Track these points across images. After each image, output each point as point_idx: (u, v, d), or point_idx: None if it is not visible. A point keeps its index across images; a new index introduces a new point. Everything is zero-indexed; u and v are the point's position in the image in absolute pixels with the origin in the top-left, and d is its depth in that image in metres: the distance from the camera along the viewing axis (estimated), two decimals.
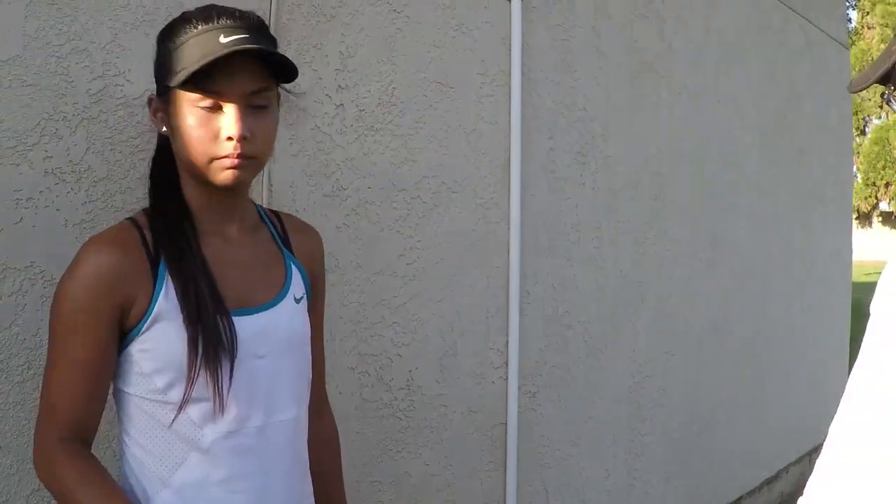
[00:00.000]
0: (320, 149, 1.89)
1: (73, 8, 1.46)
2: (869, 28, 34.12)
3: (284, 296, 1.27)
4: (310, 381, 1.31)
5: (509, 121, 2.44)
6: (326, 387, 1.45)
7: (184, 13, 1.19)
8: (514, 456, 2.40)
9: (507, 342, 2.43)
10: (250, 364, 1.18)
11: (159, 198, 1.22)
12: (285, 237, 1.34)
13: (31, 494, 1.41)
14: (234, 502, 1.16)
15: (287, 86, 1.25)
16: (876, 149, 30.89)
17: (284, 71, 1.18)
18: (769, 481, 4.26)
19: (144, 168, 1.54)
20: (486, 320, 2.37)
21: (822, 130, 5.01)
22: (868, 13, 33.57)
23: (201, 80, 1.11)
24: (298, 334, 1.27)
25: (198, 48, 1.13)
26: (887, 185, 33.78)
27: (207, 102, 1.13)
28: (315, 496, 1.32)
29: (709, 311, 3.62)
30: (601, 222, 2.90)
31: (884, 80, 1.01)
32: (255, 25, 1.18)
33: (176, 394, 1.14)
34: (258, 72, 1.16)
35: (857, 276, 6.77)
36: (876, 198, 33.10)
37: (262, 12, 1.71)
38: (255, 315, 1.21)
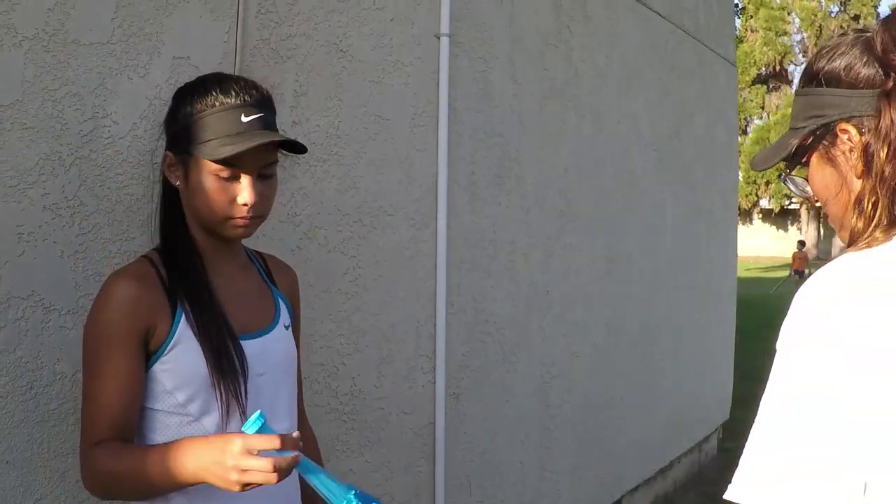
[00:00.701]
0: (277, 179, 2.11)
1: (66, 54, 1.64)
2: (752, 31, 36.02)
3: (276, 323, 1.51)
4: (296, 396, 1.55)
5: (437, 148, 2.71)
6: None
7: (202, 81, 1.40)
8: (441, 452, 2.68)
9: (435, 349, 2.71)
10: (254, 381, 1.40)
11: (171, 240, 1.44)
12: (269, 274, 1.59)
13: None
14: None
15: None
16: (757, 148, 32.59)
17: (293, 148, 1.43)
18: (663, 471, 4.69)
19: (130, 202, 1.75)
20: (416, 329, 2.64)
21: (711, 144, 5.48)
22: (752, 17, 35.38)
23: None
24: (290, 356, 1.52)
25: (221, 124, 1.35)
26: (767, 183, 35.71)
27: (227, 173, 1.36)
28: (302, 496, 1.55)
29: (606, 314, 3.98)
30: (514, 237, 3.20)
31: (786, 160, 1.27)
32: (266, 100, 1.41)
33: (195, 406, 1.35)
34: (272, 150, 1.40)
35: (739, 271, 7.35)
36: (756, 195, 35.05)
37: (229, 54, 1.94)
38: (255, 339, 1.44)
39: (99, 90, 1.70)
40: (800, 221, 38.97)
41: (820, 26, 37.25)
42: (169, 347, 1.36)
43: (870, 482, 0.98)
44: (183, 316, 1.37)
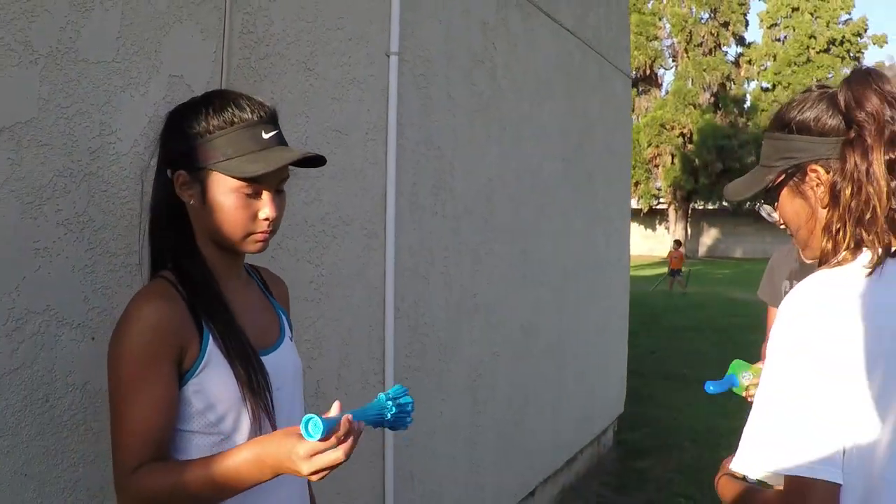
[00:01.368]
0: None
1: (77, 73, 1.71)
2: None
3: (283, 337, 1.58)
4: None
5: (385, 161, 2.87)
6: None
7: (211, 97, 1.45)
8: (390, 448, 2.85)
9: (384, 352, 2.87)
10: (274, 395, 1.46)
11: (186, 260, 1.45)
12: (265, 286, 1.65)
13: None
14: None
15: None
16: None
17: (307, 163, 1.49)
18: (569, 462, 5.00)
19: (132, 217, 1.83)
20: (368, 334, 2.79)
21: (610, 154, 5.84)
22: (660, 18, 36.87)
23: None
24: (298, 368, 1.59)
25: (243, 141, 1.39)
26: (636, 183, 37.26)
27: (250, 190, 1.41)
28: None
29: (522, 316, 4.23)
30: (448, 245, 3.40)
31: (757, 195, 1.52)
32: (276, 116, 1.47)
33: (226, 425, 1.40)
34: (287, 165, 1.44)
35: None
36: None
37: (216, 73, 2.04)
38: (270, 354, 1.50)
39: (105, 108, 1.77)
40: (668, 221, 40.87)
41: (690, 32, 39.18)
42: (200, 368, 1.39)
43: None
44: (210, 336, 1.41)
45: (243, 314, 1.48)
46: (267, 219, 1.44)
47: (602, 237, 5.74)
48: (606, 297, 5.86)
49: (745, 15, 39.81)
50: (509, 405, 4.03)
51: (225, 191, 1.41)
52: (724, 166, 37.69)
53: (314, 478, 1.26)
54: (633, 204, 38.99)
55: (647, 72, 38.28)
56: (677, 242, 21.88)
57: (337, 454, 1.25)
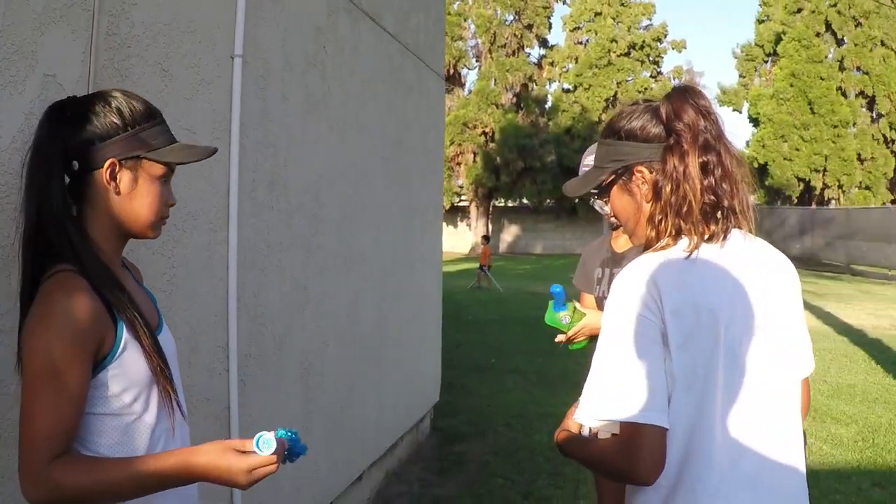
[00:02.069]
0: None
1: None
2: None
3: (162, 319, 1.79)
4: None
5: (229, 159, 3.08)
6: None
7: (125, 94, 1.63)
8: (236, 434, 3.07)
9: (228, 341, 3.08)
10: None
11: (87, 253, 1.56)
12: (131, 272, 1.83)
13: None
14: None
15: None
16: None
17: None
18: (392, 448, 5.34)
19: (10, 210, 1.97)
20: (214, 324, 3.00)
21: (425, 152, 6.24)
22: (466, 19, 37.79)
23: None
24: (175, 348, 1.79)
25: (165, 134, 1.64)
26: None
27: (165, 177, 1.65)
28: None
29: (348, 307, 4.53)
30: (282, 239, 3.64)
31: (597, 189, 1.88)
32: None
33: (139, 405, 1.55)
34: None
35: None
36: None
37: (84, 74, 2.21)
38: (158, 336, 1.67)
39: None
40: (469, 218, 42.25)
41: (494, 33, 40.65)
42: (118, 354, 1.52)
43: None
44: (123, 325, 1.55)
45: (135, 301, 1.64)
46: (172, 204, 1.69)
47: (418, 231, 6.13)
48: (422, 289, 6.26)
49: (548, 18, 41.83)
50: (337, 393, 4.32)
51: (151, 179, 1.63)
52: (525, 165, 39.50)
53: (245, 486, 1.48)
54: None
55: (451, 71, 39.38)
56: (486, 238, 22.57)
57: (273, 467, 1.50)
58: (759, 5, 42.08)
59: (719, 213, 1.66)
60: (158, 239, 2.60)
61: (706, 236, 1.65)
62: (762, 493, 1.62)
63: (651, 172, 1.72)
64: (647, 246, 1.74)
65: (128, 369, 1.54)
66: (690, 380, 1.59)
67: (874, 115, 38.48)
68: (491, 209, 42.78)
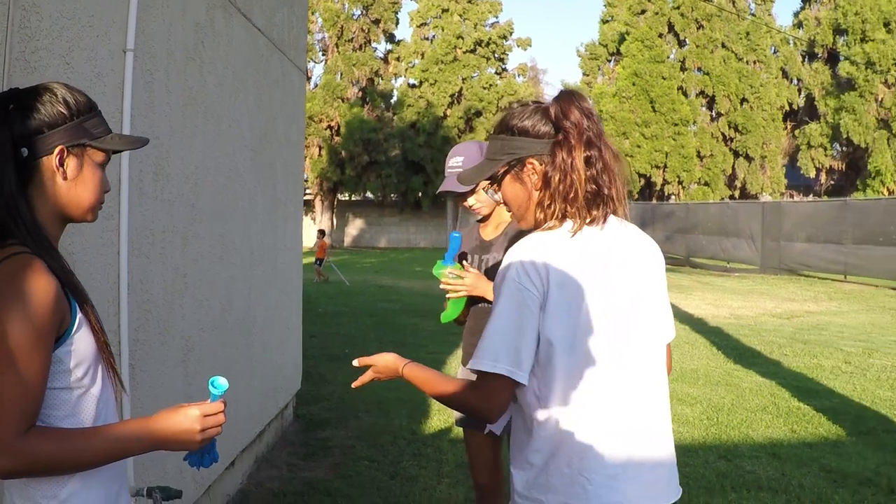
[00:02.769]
0: None
1: None
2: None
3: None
4: None
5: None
6: None
7: (65, 86, 1.73)
8: (128, 415, 3.17)
9: (119, 326, 3.18)
10: None
11: (40, 236, 1.65)
12: None
13: None
14: None
15: None
16: None
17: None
18: (260, 434, 5.48)
19: None
20: (107, 309, 3.09)
21: (288, 145, 6.39)
22: (314, 12, 37.36)
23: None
24: None
25: (102, 125, 1.76)
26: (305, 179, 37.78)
27: (103, 164, 1.76)
28: None
29: (222, 294, 4.65)
30: (164, 227, 3.74)
31: (491, 179, 2.14)
32: None
33: (88, 378, 1.67)
34: None
35: None
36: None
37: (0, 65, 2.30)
38: None
39: None
40: (314, 211, 42.08)
41: (342, 27, 40.55)
42: (73, 331, 1.63)
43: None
44: (76, 302, 1.65)
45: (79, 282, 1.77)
46: (108, 190, 1.82)
47: (281, 222, 6.27)
48: (285, 279, 6.41)
49: (396, 13, 42.16)
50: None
51: (94, 165, 1.74)
52: (371, 159, 39.78)
53: (200, 437, 1.67)
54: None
55: None
56: (321, 232, 22.69)
57: (221, 417, 1.71)
58: (604, 6, 44.00)
59: (600, 200, 1.96)
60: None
61: (588, 220, 1.95)
62: (635, 438, 1.95)
63: (541, 164, 1.99)
64: (535, 226, 2.03)
65: (80, 346, 1.65)
66: (572, 343, 1.89)
67: (713, 114, 41.08)
68: (336, 203, 42.78)
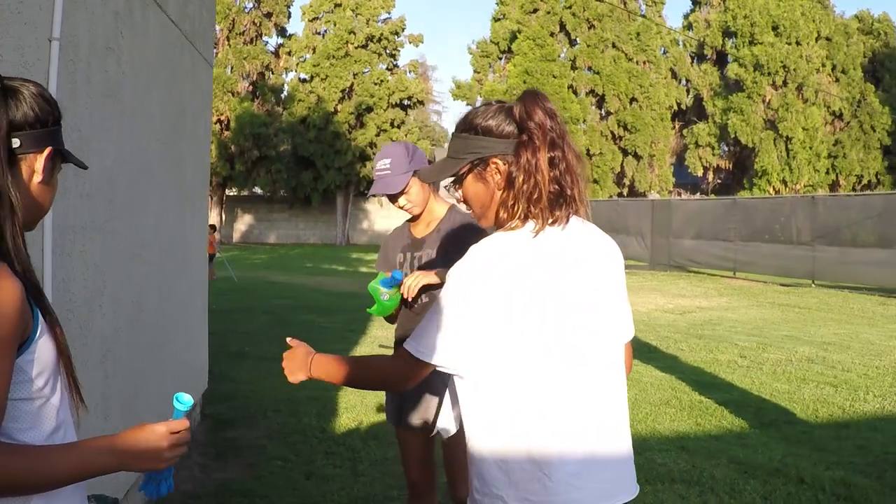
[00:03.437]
0: None
1: None
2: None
3: None
4: None
5: None
6: None
7: (40, 86, 1.67)
8: None
9: None
10: None
11: (8, 241, 1.56)
12: None
13: None
14: None
15: None
16: None
17: None
18: None
19: None
20: None
21: (196, 138, 6.28)
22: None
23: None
24: None
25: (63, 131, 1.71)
26: None
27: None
28: None
29: (136, 293, 4.55)
30: (86, 224, 3.64)
31: (453, 177, 2.16)
32: None
33: (48, 388, 1.58)
34: None
35: None
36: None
37: None
38: None
39: None
40: None
41: (233, 20, 39.74)
42: (35, 339, 1.55)
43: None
44: (38, 310, 1.58)
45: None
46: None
47: (189, 217, 6.17)
48: (192, 276, 6.31)
49: (288, 7, 41.59)
50: (131, 378, 4.34)
51: (55, 169, 1.70)
52: (261, 154, 39.19)
53: (168, 454, 1.60)
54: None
55: None
56: (212, 227, 22.25)
57: (187, 435, 1.65)
58: (496, 4, 44.52)
59: (563, 200, 2.01)
60: None
61: (550, 220, 1.99)
62: (595, 435, 2.02)
63: (505, 164, 2.01)
64: (498, 226, 2.07)
65: (42, 353, 1.57)
66: (529, 342, 1.94)
67: (603, 112, 42.12)
68: (224, 198, 41.96)
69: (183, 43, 5.56)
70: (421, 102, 42.44)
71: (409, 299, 3.30)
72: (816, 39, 36.00)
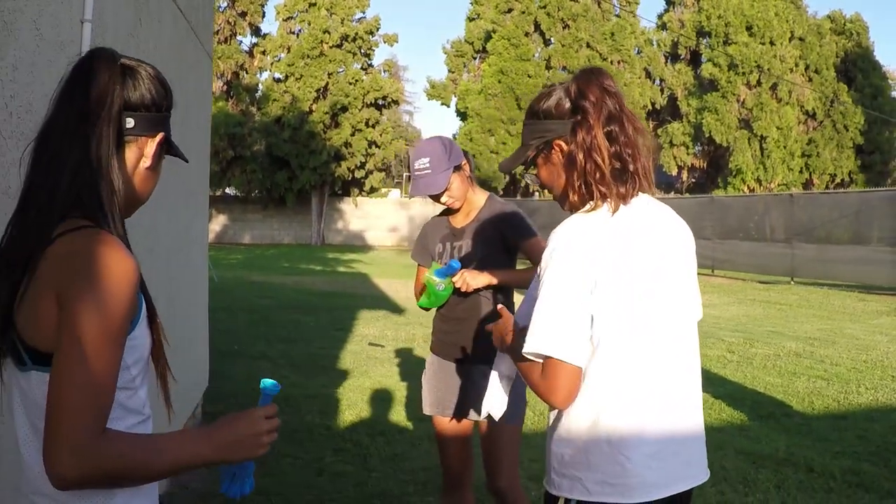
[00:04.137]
0: None
1: None
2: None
3: None
4: None
5: None
6: None
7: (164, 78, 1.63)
8: None
9: None
10: None
11: (117, 216, 1.50)
12: None
13: None
14: None
15: None
16: None
17: None
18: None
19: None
20: None
21: (199, 132, 6.19)
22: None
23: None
24: None
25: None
26: None
27: None
28: None
29: (150, 287, 4.46)
30: None
31: (524, 165, 2.14)
32: None
33: (140, 378, 1.50)
34: None
35: None
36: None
37: None
38: None
39: None
40: None
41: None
42: (137, 325, 1.45)
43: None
44: (143, 296, 1.49)
45: None
46: None
47: (192, 214, 6.08)
48: (195, 273, 6.22)
49: (262, 6, 41.24)
50: None
51: (161, 161, 1.63)
52: (235, 153, 38.88)
53: (266, 440, 1.52)
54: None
55: None
56: None
57: (277, 421, 1.56)
58: (471, 3, 44.43)
59: (626, 176, 1.98)
60: None
61: (620, 198, 1.96)
62: (672, 415, 2.00)
63: (567, 145, 2.01)
64: (572, 209, 2.05)
65: (139, 342, 1.48)
66: (615, 323, 1.91)
67: None
68: None
69: (189, 34, 5.48)
70: (396, 102, 42.19)
71: (466, 292, 3.29)
72: (790, 39, 36.32)
